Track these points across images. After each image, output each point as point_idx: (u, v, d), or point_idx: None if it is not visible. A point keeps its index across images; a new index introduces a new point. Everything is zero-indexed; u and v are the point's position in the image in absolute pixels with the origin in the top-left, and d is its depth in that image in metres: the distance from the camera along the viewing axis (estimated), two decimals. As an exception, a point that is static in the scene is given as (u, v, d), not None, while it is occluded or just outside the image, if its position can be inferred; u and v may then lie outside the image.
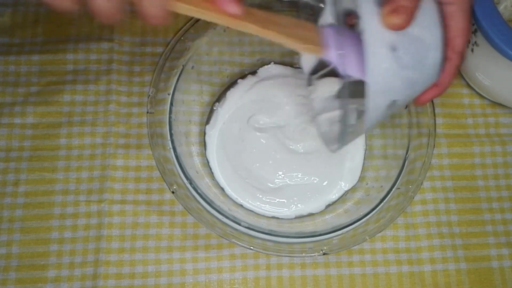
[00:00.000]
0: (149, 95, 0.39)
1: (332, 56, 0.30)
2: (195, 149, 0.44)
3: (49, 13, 0.47)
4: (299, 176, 0.43)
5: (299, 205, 0.43)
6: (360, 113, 0.32)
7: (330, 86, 0.37)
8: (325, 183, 0.43)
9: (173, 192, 0.37)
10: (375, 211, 0.38)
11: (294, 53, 0.43)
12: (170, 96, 0.40)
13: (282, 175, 0.43)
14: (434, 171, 0.45)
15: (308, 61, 0.36)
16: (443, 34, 0.29)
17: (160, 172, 0.37)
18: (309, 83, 0.38)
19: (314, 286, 0.41)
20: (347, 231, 0.38)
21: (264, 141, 0.44)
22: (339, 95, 0.36)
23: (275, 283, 0.41)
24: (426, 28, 0.28)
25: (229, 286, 0.41)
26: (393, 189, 0.39)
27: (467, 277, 0.42)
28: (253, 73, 0.46)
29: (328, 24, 0.33)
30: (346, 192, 0.43)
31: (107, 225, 0.41)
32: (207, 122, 0.45)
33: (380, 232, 0.37)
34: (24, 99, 0.44)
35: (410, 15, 0.27)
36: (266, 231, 0.37)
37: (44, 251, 0.41)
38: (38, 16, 0.47)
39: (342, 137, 0.34)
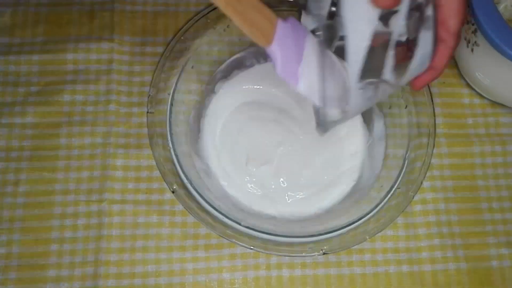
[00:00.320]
0: (149, 95, 0.39)
1: (271, 51, 0.30)
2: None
3: (49, 13, 0.47)
4: (300, 175, 0.43)
5: (299, 205, 0.43)
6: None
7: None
8: (325, 183, 0.43)
9: (173, 192, 0.37)
10: (375, 210, 0.38)
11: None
12: (170, 96, 0.40)
13: (282, 175, 0.43)
14: (434, 171, 0.45)
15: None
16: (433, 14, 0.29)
17: (160, 172, 0.37)
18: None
19: (314, 285, 0.41)
20: (347, 231, 0.38)
21: (264, 141, 0.44)
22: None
23: (275, 282, 0.41)
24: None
25: (229, 285, 0.41)
26: (393, 189, 0.39)
27: (467, 277, 0.42)
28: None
29: (290, 19, 0.32)
30: (346, 192, 0.43)
31: (107, 225, 0.41)
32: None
33: (380, 231, 0.37)
34: (24, 99, 0.44)
35: None
36: (266, 231, 0.37)
37: (44, 251, 0.41)
38: (38, 16, 0.47)
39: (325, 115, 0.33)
